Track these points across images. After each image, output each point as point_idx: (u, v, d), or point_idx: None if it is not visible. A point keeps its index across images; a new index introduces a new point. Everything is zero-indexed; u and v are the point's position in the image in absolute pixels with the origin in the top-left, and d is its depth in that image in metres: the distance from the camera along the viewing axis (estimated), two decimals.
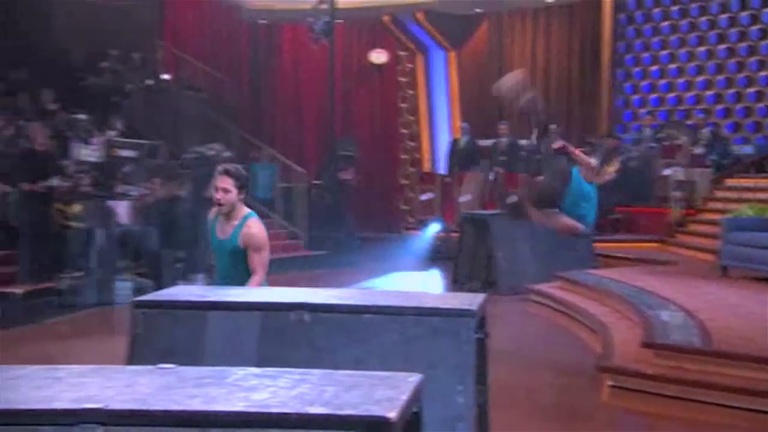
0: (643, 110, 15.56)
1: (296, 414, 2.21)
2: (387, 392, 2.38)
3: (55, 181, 10.78)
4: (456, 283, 10.39)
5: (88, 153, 11.05)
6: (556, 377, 6.67)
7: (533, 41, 16.47)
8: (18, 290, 9.71)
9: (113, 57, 15.22)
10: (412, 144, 17.34)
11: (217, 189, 4.80)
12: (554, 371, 6.79)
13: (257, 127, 16.69)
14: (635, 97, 15.83)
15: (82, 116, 12.51)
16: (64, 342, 7.97)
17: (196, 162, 11.20)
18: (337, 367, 2.90)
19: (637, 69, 15.80)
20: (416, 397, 2.47)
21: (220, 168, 4.93)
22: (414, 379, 2.52)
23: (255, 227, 4.89)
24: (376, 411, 2.22)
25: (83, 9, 15.57)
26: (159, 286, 9.01)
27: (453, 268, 11.02)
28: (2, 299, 9.28)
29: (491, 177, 14.36)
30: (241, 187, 4.83)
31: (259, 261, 4.85)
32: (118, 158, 11.08)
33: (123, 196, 11.56)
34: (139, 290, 9.94)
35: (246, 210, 4.93)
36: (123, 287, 10.22)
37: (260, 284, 4.79)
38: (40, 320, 8.89)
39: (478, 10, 16.38)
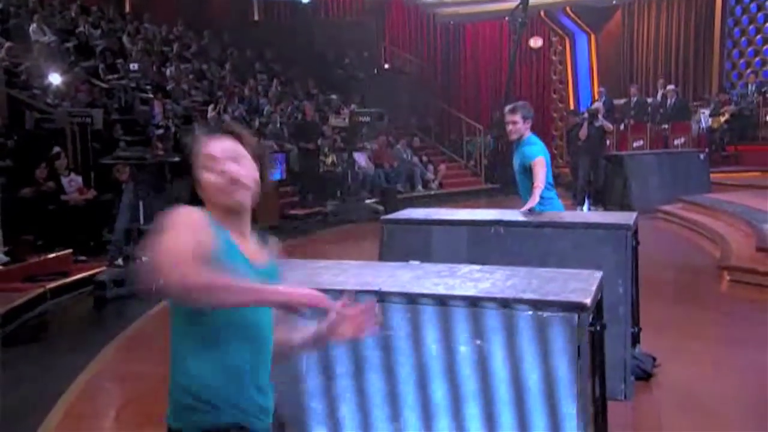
0: (748, 71, 13.81)
1: (513, 298, 2.13)
2: (579, 284, 2.23)
3: (319, 141, 11.20)
4: (598, 206, 9.72)
5: (339, 120, 11.34)
6: (684, 274, 6.11)
7: (657, 23, 15.02)
8: (300, 212, 10.23)
9: (351, 55, 15.47)
10: (561, 105, 16.41)
11: (507, 123, 4.08)
12: (682, 270, 6.23)
13: (447, 97, 16.45)
14: (741, 61, 14.16)
15: (333, 96, 12.84)
16: (331, 246, 8.26)
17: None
18: (526, 267, 2.77)
19: (743, 39, 14.06)
20: (601, 288, 2.30)
21: (509, 107, 4.18)
22: (598, 274, 2.35)
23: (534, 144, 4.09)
24: (573, 297, 2.08)
25: (333, 25, 15.97)
26: (386, 210, 9.15)
27: (594, 194, 10.31)
28: (291, 218, 9.81)
29: (621, 127, 13.29)
30: (524, 119, 4.06)
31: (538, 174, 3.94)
32: (357, 123, 11.28)
33: (362, 148, 11.80)
34: (375, 212, 10.16)
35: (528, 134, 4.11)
36: (364, 210, 10.47)
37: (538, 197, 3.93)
38: (314, 232, 9.24)
39: (614, 2, 15.08)
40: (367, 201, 10.91)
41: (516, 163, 4.12)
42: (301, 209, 10.26)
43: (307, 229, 9.27)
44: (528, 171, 4.00)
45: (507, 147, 13.94)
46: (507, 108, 4.14)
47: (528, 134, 4.07)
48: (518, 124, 4.04)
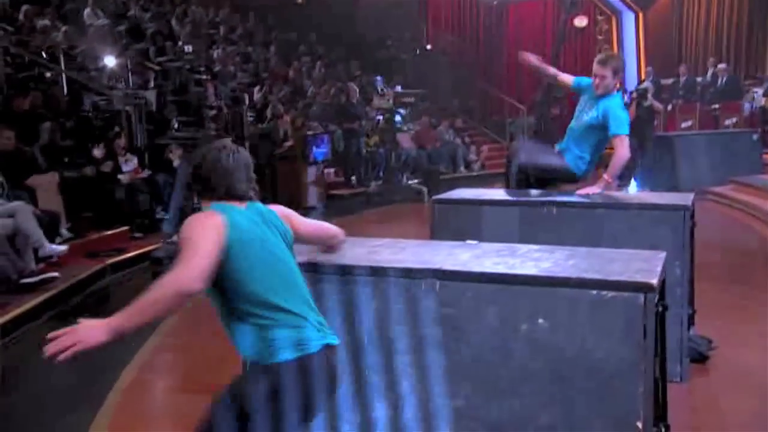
0: None
1: (577, 278, 2.09)
2: (643, 264, 2.18)
3: (362, 121, 11.17)
4: (645, 187, 9.42)
5: (382, 102, 11.28)
6: (737, 256, 5.92)
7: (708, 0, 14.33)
8: (345, 192, 10.27)
9: (393, 36, 15.34)
10: None
11: (596, 76, 3.65)
12: (735, 252, 6.03)
13: (490, 78, 16.18)
14: None
15: (377, 78, 12.77)
16: (377, 225, 8.27)
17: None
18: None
19: None
20: (665, 268, 2.24)
21: (599, 57, 3.75)
22: (662, 255, 2.29)
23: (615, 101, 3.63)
24: (639, 278, 2.04)
25: (375, 5, 15.81)
26: (429, 191, 9.10)
27: (641, 175, 10.00)
28: (336, 198, 9.87)
29: (669, 108, 12.85)
30: (615, 73, 3.66)
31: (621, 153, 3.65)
32: (401, 104, 11.20)
33: (404, 129, 11.72)
34: (418, 193, 10.12)
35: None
36: (407, 190, 10.44)
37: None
38: (359, 212, 9.26)
39: None
40: (410, 182, 10.88)
41: (588, 115, 3.62)
42: (345, 189, 10.31)
43: (352, 209, 9.30)
44: (598, 129, 3.58)
45: (550, 128, 13.68)
46: (597, 58, 3.64)
47: (615, 92, 3.56)
48: (607, 79, 3.55)
